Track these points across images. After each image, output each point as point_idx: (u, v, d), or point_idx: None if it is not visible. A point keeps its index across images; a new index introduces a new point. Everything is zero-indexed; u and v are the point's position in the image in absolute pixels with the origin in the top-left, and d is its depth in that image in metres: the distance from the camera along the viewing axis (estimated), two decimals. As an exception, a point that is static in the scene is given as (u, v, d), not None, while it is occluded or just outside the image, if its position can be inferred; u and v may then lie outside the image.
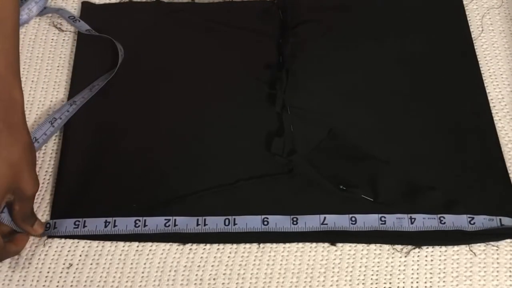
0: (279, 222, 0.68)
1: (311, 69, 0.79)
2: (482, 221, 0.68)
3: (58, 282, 0.66)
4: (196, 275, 0.66)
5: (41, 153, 0.74)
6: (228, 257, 0.67)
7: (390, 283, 0.65)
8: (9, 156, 0.63)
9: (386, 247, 0.67)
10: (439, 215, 0.68)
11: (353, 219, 0.68)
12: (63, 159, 0.73)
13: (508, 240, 0.67)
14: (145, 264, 0.67)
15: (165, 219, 0.68)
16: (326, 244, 0.68)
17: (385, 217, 0.67)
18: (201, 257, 0.67)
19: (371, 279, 0.66)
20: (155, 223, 0.68)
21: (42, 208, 0.71)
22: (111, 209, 0.69)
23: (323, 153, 0.73)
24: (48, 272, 0.67)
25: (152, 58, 0.81)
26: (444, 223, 0.67)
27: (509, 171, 0.71)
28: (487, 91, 0.77)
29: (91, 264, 0.67)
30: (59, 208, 0.70)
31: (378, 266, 0.66)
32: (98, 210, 0.69)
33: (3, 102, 0.64)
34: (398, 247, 0.67)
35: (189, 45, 0.82)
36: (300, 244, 0.68)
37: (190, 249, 0.68)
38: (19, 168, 0.64)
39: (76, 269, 0.67)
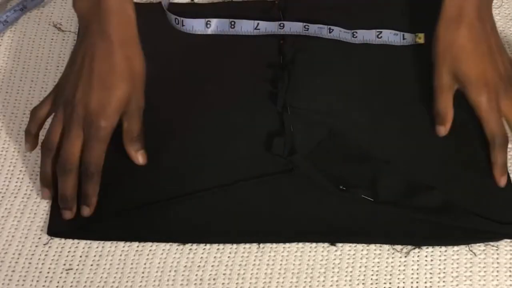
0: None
1: (312, 69, 0.79)
2: (388, 35, 0.79)
3: (58, 282, 0.66)
4: (196, 275, 0.66)
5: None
6: (228, 257, 0.67)
7: (390, 283, 0.65)
8: (131, 68, 0.68)
9: (386, 247, 0.67)
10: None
11: (281, 25, 0.78)
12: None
13: (508, 240, 0.67)
14: (145, 264, 0.67)
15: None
16: (326, 244, 0.68)
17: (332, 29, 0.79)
18: (201, 257, 0.67)
19: (371, 279, 0.66)
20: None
21: (41, 208, 0.71)
22: (112, 207, 0.69)
23: (323, 153, 0.72)
24: (48, 273, 0.67)
25: (152, 58, 0.80)
26: (356, 36, 0.79)
27: (509, 171, 0.71)
28: (487, 91, 0.77)
29: (91, 264, 0.67)
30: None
31: (378, 266, 0.66)
32: (99, 208, 0.69)
33: (120, 18, 0.69)
34: (398, 247, 0.67)
35: (189, 45, 0.82)
36: (300, 244, 0.68)
37: (190, 249, 0.68)
38: (139, 80, 0.68)
39: (76, 269, 0.67)
